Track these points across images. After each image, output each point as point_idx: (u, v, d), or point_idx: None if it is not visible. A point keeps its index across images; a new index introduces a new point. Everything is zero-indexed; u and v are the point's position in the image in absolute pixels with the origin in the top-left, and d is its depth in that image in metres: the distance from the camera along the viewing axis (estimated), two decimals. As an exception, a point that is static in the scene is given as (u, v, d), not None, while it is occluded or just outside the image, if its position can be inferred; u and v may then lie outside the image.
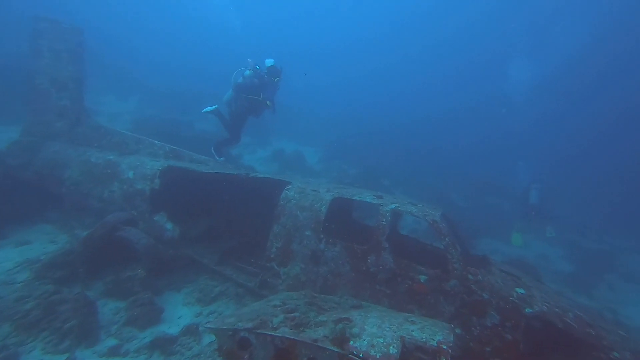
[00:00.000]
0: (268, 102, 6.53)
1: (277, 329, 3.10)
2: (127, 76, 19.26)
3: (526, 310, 3.22)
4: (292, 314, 3.36)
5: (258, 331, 3.09)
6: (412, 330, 2.78)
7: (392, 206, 4.10)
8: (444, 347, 2.54)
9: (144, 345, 3.82)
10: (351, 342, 2.75)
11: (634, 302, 8.15)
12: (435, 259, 4.42)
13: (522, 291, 3.38)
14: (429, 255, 4.64)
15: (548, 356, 3.35)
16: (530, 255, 9.81)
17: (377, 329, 2.82)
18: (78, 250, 4.59)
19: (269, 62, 6.54)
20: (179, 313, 4.45)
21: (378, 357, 2.58)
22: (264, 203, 5.88)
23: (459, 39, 39.26)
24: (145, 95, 17.75)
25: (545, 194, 10.21)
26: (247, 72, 6.67)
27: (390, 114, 26.09)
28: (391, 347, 2.60)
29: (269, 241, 4.66)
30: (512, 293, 3.35)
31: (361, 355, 2.63)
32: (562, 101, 30.19)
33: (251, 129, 16.56)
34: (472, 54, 37.70)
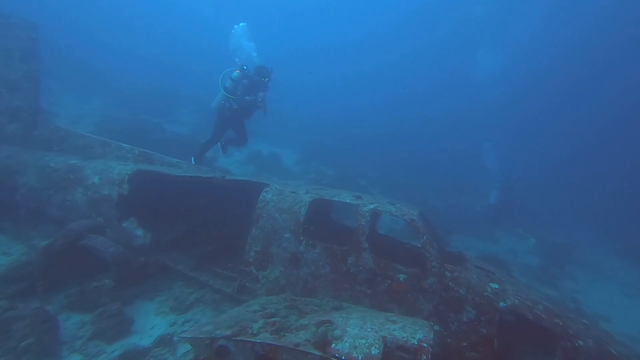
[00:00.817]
0: (260, 102, 6.37)
1: (257, 335, 3.02)
2: (90, 75, 18.16)
3: (500, 304, 3.35)
4: (272, 319, 3.29)
5: (237, 338, 3.00)
6: (394, 330, 2.80)
7: (372, 206, 4.13)
8: (425, 345, 2.58)
9: (113, 360, 3.60)
10: (333, 345, 2.73)
11: (593, 291, 8.76)
12: (413, 257, 4.51)
13: (496, 286, 3.51)
14: (407, 254, 4.72)
15: (519, 347, 3.50)
16: (500, 250, 10.28)
17: (359, 330, 2.81)
18: (36, 262, 4.25)
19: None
20: (152, 323, 4.24)
21: (360, 358, 2.58)
22: (241, 206, 5.75)
23: (435, 47, 40.60)
24: (110, 96, 16.76)
25: (507, 194, 10.81)
26: (235, 73, 6.46)
27: (366, 117, 26.53)
28: (373, 348, 2.60)
29: (247, 245, 4.56)
30: (486, 288, 3.47)
31: (343, 357, 2.62)
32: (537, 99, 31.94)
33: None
34: (447, 60, 39.13)
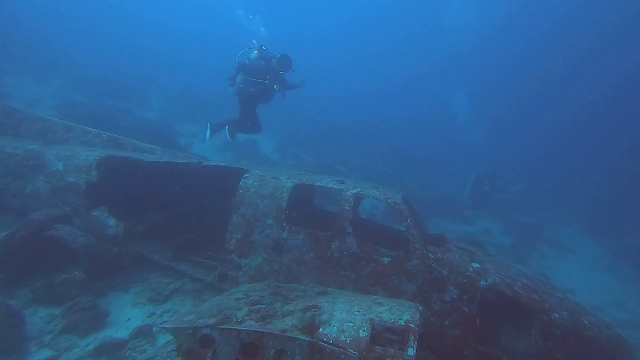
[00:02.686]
0: (275, 86, 5.93)
1: (242, 323, 2.93)
2: (47, 54, 16.62)
3: (481, 283, 3.44)
4: (257, 306, 3.21)
5: (222, 327, 2.91)
6: (381, 312, 2.81)
7: (355, 190, 4.09)
8: (412, 325, 2.60)
9: (87, 353, 3.42)
10: (321, 329, 2.69)
11: (560, 267, 9.34)
12: (396, 240, 4.54)
13: (477, 265, 3.60)
14: (389, 238, 4.75)
15: (499, 322, 3.63)
16: (476, 231, 10.69)
17: (346, 314, 2.79)
18: (-5, 255, 3.92)
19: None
20: (128, 315, 4.05)
21: (349, 341, 2.56)
22: (220, 193, 5.56)
23: (410, 41, 40.54)
24: (69, 78, 15.46)
25: (479, 184, 11.33)
26: (254, 53, 5.97)
27: (344, 107, 26.32)
28: (361, 331, 2.59)
29: (228, 232, 4.43)
30: (468, 268, 3.55)
31: (331, 341, 2.59)
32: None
33: (199, 117, 15.60)
34: (421, 55, 39.34)
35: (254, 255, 4.30)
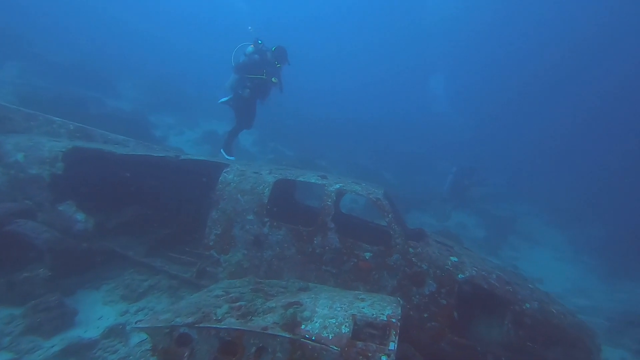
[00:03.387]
0: (274, 79, 5.67)
1: (221, 320, 2.86)
2: (3, 36, 15.20)
3: (459, 276, 3.53)
4: (237, 303, 3.14)
5: (201, 325, 2.82)
6: (363, 308, 2.82)
7: (337, 186, 4.07)
8: (393, 320, 2.63)
9: (53, 355, 3.25)
10: (303, 326, 2.67)
11: (530, 258, 9.83)
12: (376, 235, 4.58)
13: (455, 259, 3.69)
14: (370, 233, 4.79)
15: (475, 313, 3.76)
16: (451, 225, 11.03)
17: (328, 310, 2.78)
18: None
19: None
20: (99, 313, 3.88)
21: (331, 337, 2.55)
22: (199, 188, 5.39)
23: (390, 35, 40.65)
24: (29, 63, 14.13)
25: (460, 177, 11.69)
26: (250, 48, 5.71)
27: (325, 101, 26.20)
28: (343, 327, 2.59)
29: (207, 228, 4.30)
30: (447, 262, 3.63)
31: (314, 338, 2.58)
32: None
33: (175, 108, 15.01)
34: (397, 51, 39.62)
35: (234, 250, 4.21)
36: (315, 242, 3.90)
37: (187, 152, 10.50)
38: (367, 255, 3.74)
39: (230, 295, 3.37)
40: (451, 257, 3.70)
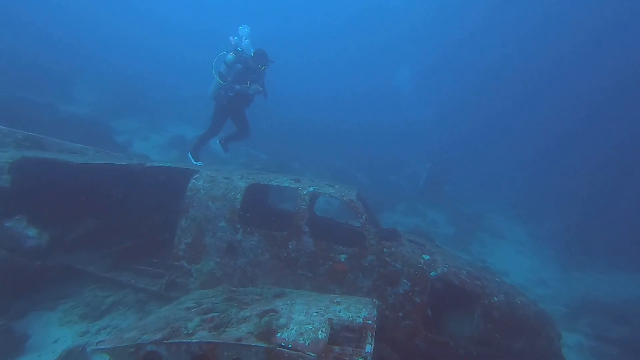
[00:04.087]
0: (259, 88, 5.65)
1: (193, 334, 2.74)
2: None
3: (431, 273, 3.63)
4: (209, 315, 3.02)
5: (169, 341, 2.68)
6: (339, 311, 2.81)
7: (311, 189, 4.05)
8: (369, 322, 2.64)
9: (1, 388, 2.95)
10: (278, 334, 2.62)
11: (496, 252, 10.34)
12: (351, 236, 4.61)
13: (428, 257, 3.79)
14: (344, 234, 4.81)
15: (447, 308, 3.87)
16: (423, 223, 11.37)
17: (304, 315, 2.75)
18: None
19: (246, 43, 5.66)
20: (55, 336, 3.57)
21: (307, 344, 2.52)
22: (166, 196, 5.16)
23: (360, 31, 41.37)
24: None
25: (434, 173, 12.12)
26: (230, 56, 5.66)
27: (296, 104, 26.17)
28: (320, 332, 2.57)
29: (176, 237, 4.13)
30: (419, 260, 3.72)
31: (290, 345, 2.54)
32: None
33: (139, 112, 14.30)
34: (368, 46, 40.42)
35: (205, 259, 4.07)
36: (290, 246, 3.86)
37: (153, 158, 10.05)
38: (342, 257, 3.74)
39: (202, 306, 3.24)
40: (424, 256, 3.80)
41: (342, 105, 28.88)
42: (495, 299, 3.63)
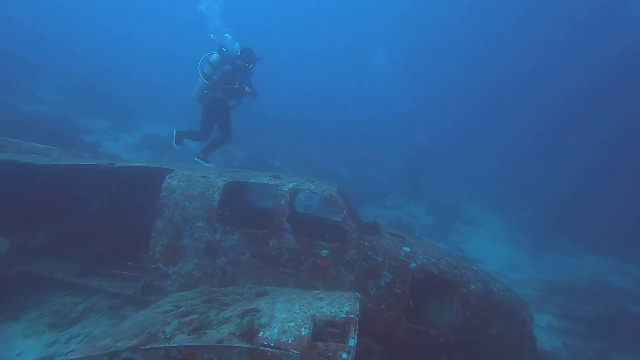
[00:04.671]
0: (247, 88, 5.45)
1: (171, 338, 2.64)
2: None
3: (411, 265, 3.69)
4: (188, 317, 2.93)
5: (146, 347, 2.57)
6: (322, 307, 2.80)
7: (291, 185, 4.01)
8: (352, 316, 2.65)
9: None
10: (261, 333, 2.58)
11: (472, 241, 10.72)
12: (332, 231, 4.61)
13: (408, 249, 3.85)
14: (326, 229, 4.80)
15: (427, 298, 3.96)
16: (402, 214, 11.59)
17: (287, 313, 2.72)
18: None
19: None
20: (19, 349, 3.34)
21: (290, 342, 2.49)
22: (139, 196, 4.95)
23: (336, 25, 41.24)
24: None
25: (417, 163, 12.36)
26: (214, 57, 5.41)
27: (275, 100, 25.81)
28: (303, 329, 2.55)
29: (152, 239, 3.99)
30: (400, 252, 3.77)
31: (272, 344, 2.50)
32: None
33: (108, 110, 13.60)
34: (343, 41, 40.33)
35: (183, 261, 3.95)
36: (271, 244, 3.80)
37: (125, 158, 9.61)
38: (325, 252, 3.73)
39: (181, 309, 3.14)
40: (404, 248, 3.85)
41: (321, 101, 28.84)
42: (473, 286, 3.75)
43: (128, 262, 4.30)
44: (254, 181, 4.23)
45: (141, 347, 2.55)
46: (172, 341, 2.54)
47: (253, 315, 2.75)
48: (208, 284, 3.82)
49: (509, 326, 3.84)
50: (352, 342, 2.44)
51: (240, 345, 2.49)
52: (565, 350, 5.91)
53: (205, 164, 6.05)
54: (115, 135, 12.50)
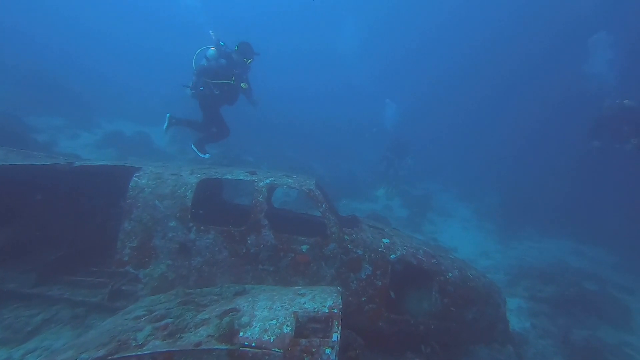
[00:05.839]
0: (243, 84, 5.25)
1: (143, 345, 2.48)
2: None
3: (391, 256, 3.71)
4: (162, 322, 2.77)
5: (115, 356, 2.40)
6: (304, 303, 2.74)
7: (268, 181, 3.90)
8: (335, 310, 2.61)
9: None
10: (241, 334, 2.48)
11: (445, 230, 11.10)
12: (312, 227, 4.56)
13: (387, 241, 3.87)
14: (305, 225, 4.74)
15: (407, 288, 4.02)
16: (379, 207, 11.77)
17: (268, 311, 2.63)
18: None
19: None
20: (-37, 370, 3.02)
21: (272, 340, 2.42)
22: (102, 197, 4.63)
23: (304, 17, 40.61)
24: None
25: (395, 155, 12.62)
26: (211, 51, 5.18)
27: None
28: (285, 326, 2.48)
29: (119, 241, 3.75)
30: (379, 244, 3.78)
31: (254, 344, 2.41)
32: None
33: (64, 107, 12.61)
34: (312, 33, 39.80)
35: (155, 263, 3.75)
36: (249, 241, 3.69)
37: (85, 157, 8.96)
38: (304, 248, 3.67)
39: (154, 313, 2.96)
40: (383, 239, 3.87)
41: (293, 97, 28.46)
42: (450, 274, 3.84)
43: (93, 267, 4.00)
44: (229, 177, 4.09)
45: (110, 357, 2.37)
46: (144, 348, 2.38)
47: (233, 315, 2.64)
48: (183, 285, 3.66)
49: (483, 311, 3.99)
50: (335, 337, 2.41)
51: (220, 347, 2.38)
52: (534, 330, 6.27)
53: (200, 154, 5.90)
54: (72, 134, 11.65)
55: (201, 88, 5.36)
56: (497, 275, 8.22)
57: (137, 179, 3.93)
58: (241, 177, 4.04)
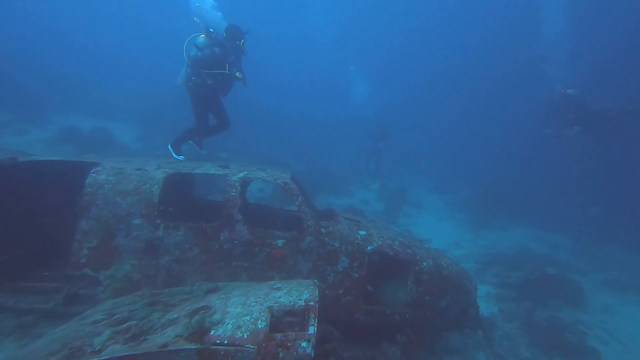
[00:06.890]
0: (238, 74, 4.94)
1: (101, 351, 2.28)
2: None
3: (368, 248, 3.69)
4: (124, 325, 2.57)
5: (68, 365, 2.19)
6: (279, 297, 2.64)
7: (241, 174, 3.74)
8: (312, 303, 2.54)
9: None
10: (212, 332, 2.35)
11: (419, 222, 11.35)
12: (288, 221, 4.45)
13: (364, 232, 3.84)
14: (280, 219, 4.63)
15: (384, 278, 4.02)
16: (355, 201, 11.83)
17: (242, 307, 2.51)
18: None
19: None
20: None
21: (246, 337, 2.30)
22: (52, 196, 4.26)
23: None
24: None
25: (372, 156, 12.74)
26: (200, 39, 4.81)
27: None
28: (259, 322, 2.37)
29: (76, 242, 3.47)
30: (356, 236, 3.74)
31: (226, 341, 2.29)
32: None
33: (8, 101, 11.54)
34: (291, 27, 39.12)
35: (118, 263, 3.49)
36: (222, 237, 3.53)
37: (33, 154, 8.22)
38: (280, 242, 3.56)
39: (115, 316, 2.75)
40: (360, 232, 3.84)
41: (269, 91, 27.93)
42: (425, 264, 3.88)
43: (44, 272, 3.65)
44: (200, 172, 3.89)
45: (62, 367, 2.16)
46: (102, 354, 2.19)
47: (204, 313, 2.49)
48: (150, 286, 3.44)
49: (456, 298, 4.08)
50: (312, 330, 2.34)
51: (188, 347, 2.23)
52: (501, 314, 6.55)
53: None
54: (19, 129, 10.70)
55: (193, 78, 5.08)
56: (469, 263, 8.50)
57: (95, 174, 3.66)
58: (213, 172, 3.85)
